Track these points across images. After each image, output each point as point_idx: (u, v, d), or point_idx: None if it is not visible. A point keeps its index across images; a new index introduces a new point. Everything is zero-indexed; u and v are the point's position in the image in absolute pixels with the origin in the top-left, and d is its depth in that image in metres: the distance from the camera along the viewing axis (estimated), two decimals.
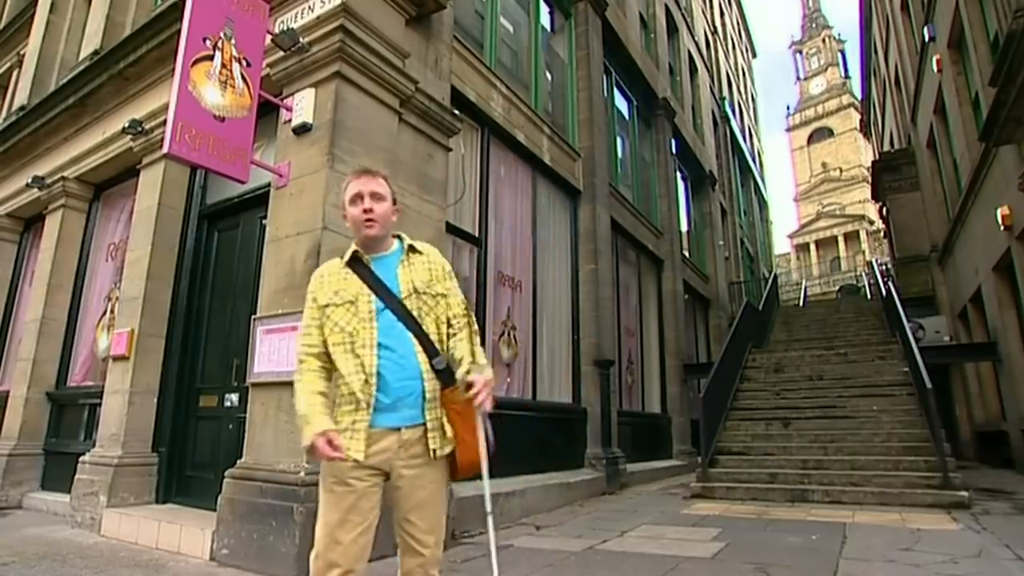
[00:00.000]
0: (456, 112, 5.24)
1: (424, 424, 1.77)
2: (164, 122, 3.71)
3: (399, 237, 1.97)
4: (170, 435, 4.94)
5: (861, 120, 28.95)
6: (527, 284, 6.86)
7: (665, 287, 11.22)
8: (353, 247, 1.90)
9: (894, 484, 6.16)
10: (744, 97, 26.11)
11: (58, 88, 6.63)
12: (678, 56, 14.91)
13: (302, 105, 4.14)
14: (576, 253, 7.92)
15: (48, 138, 6.83)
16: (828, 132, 62.57)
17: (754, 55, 31.69)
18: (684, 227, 13.56)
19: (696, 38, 17.06)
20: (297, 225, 3.97)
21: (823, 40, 66.52)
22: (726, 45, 23.12)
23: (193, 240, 5.32)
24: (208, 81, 3.67)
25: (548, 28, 8.67)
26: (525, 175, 7.16)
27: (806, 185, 62.34)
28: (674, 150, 12.54)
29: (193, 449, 4.90)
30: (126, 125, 5.41)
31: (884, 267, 17.43)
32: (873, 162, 17.34)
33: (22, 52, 9.10)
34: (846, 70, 63.47)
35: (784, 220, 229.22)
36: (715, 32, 20.84)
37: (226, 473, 3.84)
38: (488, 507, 1.87)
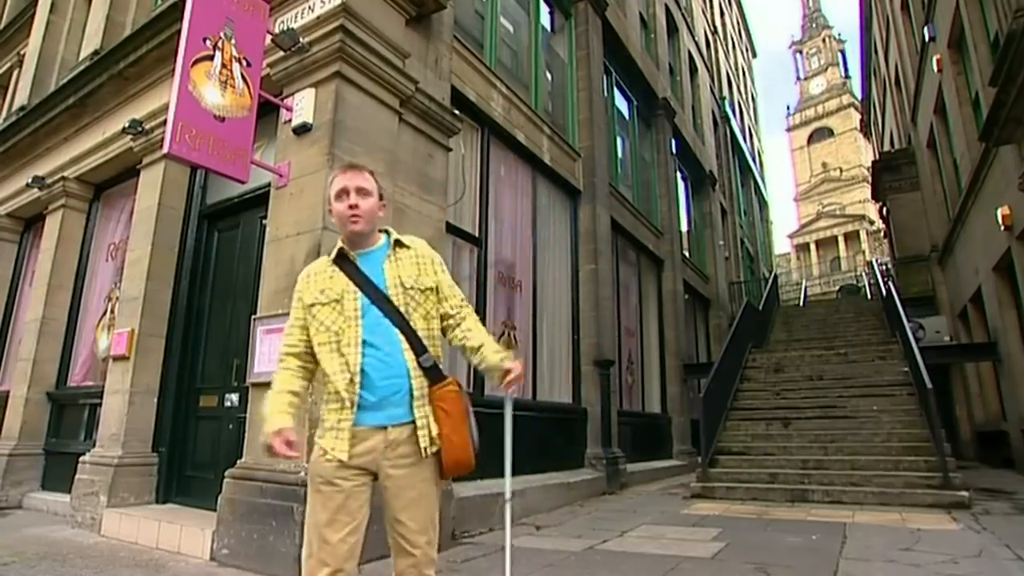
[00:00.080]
0: (456, 112, 5.25)
1: (412, 423, 1.74)
2: (164, 122, 3.71)
3: (386, 231, 1.94)
4: (170, 435, 4.94)
5: (861, 120, 28.96)
6: (527, 284, 6.86)
7: (665, 287, 11.22)
8: (339, 243, 1.88)
9: (894, 484, 6.16)
10: (744, 97, 26.11)
11: (58, 88, 6.63)
12: (678, 56, 14.91)
13: (302, 105, 4.14)
14: (576, 253, 7.92)
15: (48, 138, 6.83)
16: (828, 132, 62.57)
17: (754, 55, 31.69)
18: (684, 227, 13.55)
19: (696, 38, 17.06)
20: (297, 225, 3.97)
21: (823, 40, 66.51)
22: (726, 45, 23.12)
23: (193, 240, 5.32)
24: (208, 81, 3.67)
25: (548, 28, 8.67)
26: (525, 175, 7.16)
27: (806, 185, 62.34)
28: (674, 150, 12.54)
29: (193, 449, 4.91)
30: (126, 125, 5.41)
31: (884, 267, 17.43)
32: (873, 162, 17.34)
33: (22, 52, 9.10)
34: (846, 70, 63.47)
35: (784, 220, 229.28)
36: (715, 32, 20.84)
37: (226, 473, 3.84)
38: (507, 494, 1.90)
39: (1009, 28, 6.09)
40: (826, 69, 65.14)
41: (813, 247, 56.01)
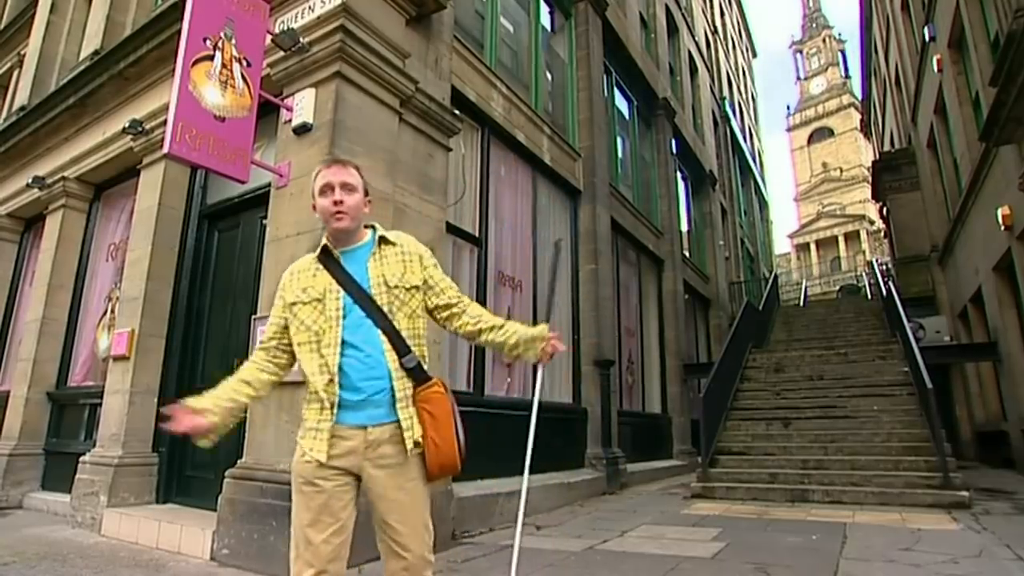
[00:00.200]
0: (456, 112, 5.24)
1: (393, 423, 1.70)
2: (164, 122, 3.71)
3: (372, 227, 1.88)
4: (170, 435, 4.93)
5: (861, 120, 28.95)
6: (527, 284, 6.86)
7: (665, 287, 11.22)
8: (324, 240, 1.83)
9: (894, 484, 6.16)
10: (744, 97, 26.11)
11: (58, 88, 6.63)
12: (678, 56, 14.91)
13: (302, 105, 4.14)
14: (576, 253, 7.91)
15: (48, 138, 6.83)
16: (828, 132, 62.58)
17: (754, 55, 31.69)
18: (684, 227, 13.55)
19: (696, 38, 17.06)
20: (297, 225, 3.97)
21: (823, 40, 66.52)
22: (726, 45, 23.11)
23: (193, 240, 5.32)
24: (208, 81, 3.67)
25: (548, 28, 8.67)
26: (525, 175, 7.15)
27: (806, 185, 62.34)
28: (674, 150, 12.53)
29: (193, 449, 4.89)
30: (126, 125, 5.41)
31: (884, 267, 17.43)
32: (873, 162, 17.33)
33: (22, 52, 9.10)
34: (846, 70, 63.47)
35: (784, 220, 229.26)
36: (715, 32, 20.84)
37: (226, 473, 3.84)
38: (524, 487, 1.87)
39: (1009, 28, 6.09)
40: (826, 69, 65.15)
41: (813, 247, 56.01)
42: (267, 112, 4.30)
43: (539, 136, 7.28)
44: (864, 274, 26.62)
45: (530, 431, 1.82)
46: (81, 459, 4.95)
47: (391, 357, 1.71)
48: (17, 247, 7.82)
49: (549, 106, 8.28)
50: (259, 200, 4.68)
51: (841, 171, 59.29)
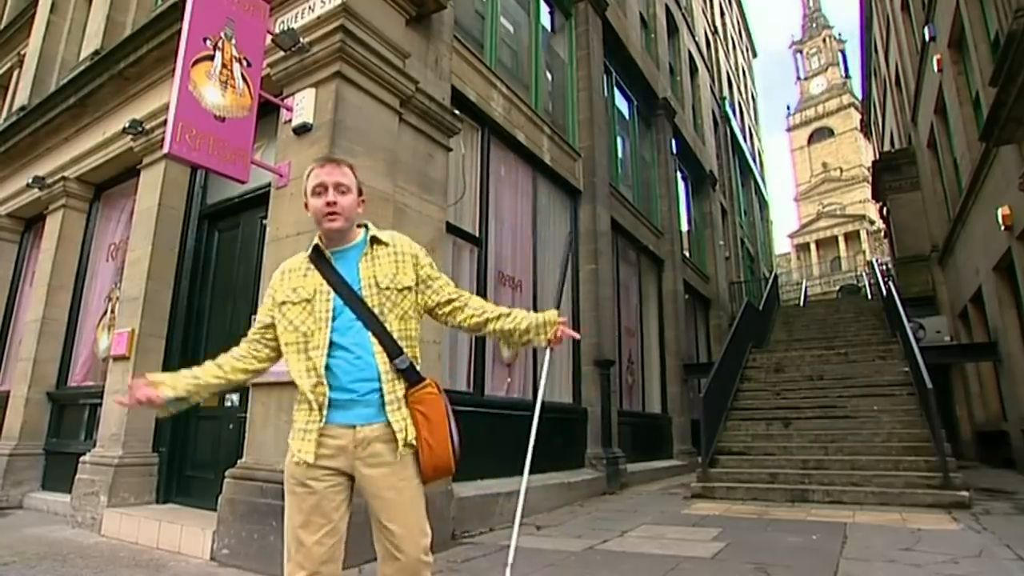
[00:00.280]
0: (456, 112, 5.24)
1: (384, 423, 1.67)
2: (164, 122, 3.71)
3: (364, 226, 1.85)
4: (170, 435, 4.94)
5: (861, 120, 28.95)
6: (527, 284, 6.86)
7: (665, 287, 11.22)
8: (315, 239, 1.81)
9: (894, 484, 6.16)
10: (744, 97, 26.11)
11: (59, 88, 6.63)
12: (678, 56, 14.91)
13: (302, 105, 4.14)
14: (576, 253, 7.91)
15: (49, 138, 6.83)
16: (828, 132, 62.56)
17: (754, 55, 31.68)
18: (684, 227, 13.55)
19: (696, 38, 17.06)
20: (297, 225, 3.97)
21: (823, 40, 66.49)
22: (726, 45, 23.11)
23: (193, 240, 5.32)
24: (208, 81, 3.67)
25: (548, 28, 8.67)
26: (525, 175, 7.16)
27: (806, 185, 62.32)
28: (674, 150, 12.54)
29: (193, 449, 4.91)
30: (126, 125, 5.41)
31: (884, 267, 17.43)
32: (873, 162, 17.34)
33: (23, 52, 9.10)
34: (846, 70, 63.45)
35: (784, 220, 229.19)
36: (715, 32, 20.83)
37: (226, 473, 3.84)
38: (522, 489, 1.87)
39: (1009, 28, 6.09)
40: (826, 69, 65.13)
41: (813, 247, 56.00)
42: (267, 112, 4.30)
43: (539, 136, 7.28)
44: (864, 274, 26.62)
45: (533, 425, 1.83)
46: (81, 459, 4.95)
47: (381, 359, 1.69)
48: (17, 247, 7.82)
49: (549, 106, 8.28)
50: (259, 200, 4.68)
51: (841, 171, 59.28)
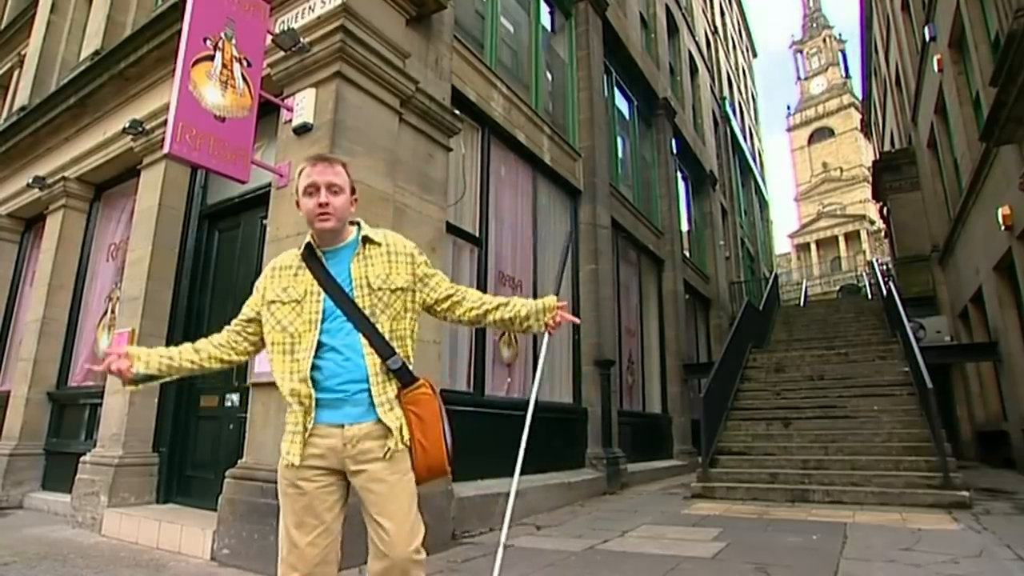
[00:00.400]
0: (456, 112, 5.25)
1: (374, 422, 1.66)
2: (165, 122, 3.71)
3: (357, 224, 1.83)
4: (171, 435, 4.94)
5: (862, 120, 28.95)
6: (527, 284, 6.86)
7: (666, 287, 11.22)
8: (308, 238, 1.79)
9: (895, 484, 6.16)
10: (744, 97, 26.11)
11: (59, 88, 6.63)
12: (678, 56, 14.91)
13: (303, 105, 4.14)
14: (576, 253, 7.91)
15: (49, 138, 6.84)
16: (829, 132, 62.57)
17: (754, 55, 31.68)
18: (685, 227, 13.55)
19: (697, 38, 17.06)
20: (297, 225, 3.97)
21: (824, 40, 66.49)
22: (726, 45, 23.11)
23: (194, 240, 5.33)
24: (209, 81, 3.67)
25: (548, 28, 8.67)
26: (525, 175, 7.16)
27: (807, 185, 62.33)
28: (674, 150, 12.53)
29: (194, 449, 4.91)
30: (127, 125, 5.41)
31: (885, 267, 17.44)
32: (874, 162, 17.33)
33: (23, 52, 9.11)
34: (847, 70, 63.44)
35: (784, 220, 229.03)
36: (715, 32, 20.83)
37: (227, 473, 3.84)
38: (513, 490, 1.87)
39: (1010, 28, 6.08)
40: (826, 69, 65.14)
41: (813, 247, 56.00)
42: (267, 112, 4.30)
43: (539, 136, 7.28)
44: (864, 274, 26.63)
45: (527, 417, 1.85)
46: (81, 459, 4.95)
47: (371, 361, 1.68)
48: (17, 247, 7.82)
49: (549, 106, 8.29)
50: (259, 200, 4.68)
51: (841, 171, 59.28)
